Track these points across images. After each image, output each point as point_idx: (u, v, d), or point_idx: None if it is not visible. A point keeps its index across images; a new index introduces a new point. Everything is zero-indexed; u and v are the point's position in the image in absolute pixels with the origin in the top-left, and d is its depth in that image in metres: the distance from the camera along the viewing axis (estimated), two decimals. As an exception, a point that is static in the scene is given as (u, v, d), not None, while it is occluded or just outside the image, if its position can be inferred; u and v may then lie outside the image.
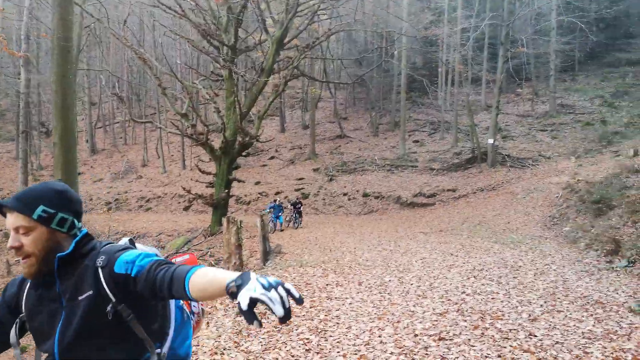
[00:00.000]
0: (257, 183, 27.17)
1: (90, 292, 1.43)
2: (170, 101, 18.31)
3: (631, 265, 7.56)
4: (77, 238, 1.51)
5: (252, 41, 19.21)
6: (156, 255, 1.52)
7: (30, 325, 1.53)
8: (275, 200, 19.07)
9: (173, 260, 1.96)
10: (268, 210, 17.66)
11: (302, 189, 25.26)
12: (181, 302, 1.72)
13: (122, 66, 41.02)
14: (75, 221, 1.51)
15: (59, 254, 1.46)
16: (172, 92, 24.35)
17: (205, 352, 4.53)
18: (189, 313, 1.77)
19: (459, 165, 24.57)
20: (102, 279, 1.43)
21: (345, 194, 24.20)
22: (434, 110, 32.94)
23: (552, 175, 19.48)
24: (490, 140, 22.95)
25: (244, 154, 18.18)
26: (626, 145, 19.96)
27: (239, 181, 18.60)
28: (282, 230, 17.77)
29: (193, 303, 1.84)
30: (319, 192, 24.58)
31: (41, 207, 1.43)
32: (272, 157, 31.04)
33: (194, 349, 4.68)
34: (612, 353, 4.13)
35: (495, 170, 22.64)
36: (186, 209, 26.17)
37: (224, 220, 9.02)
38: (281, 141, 33.12)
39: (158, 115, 35.54)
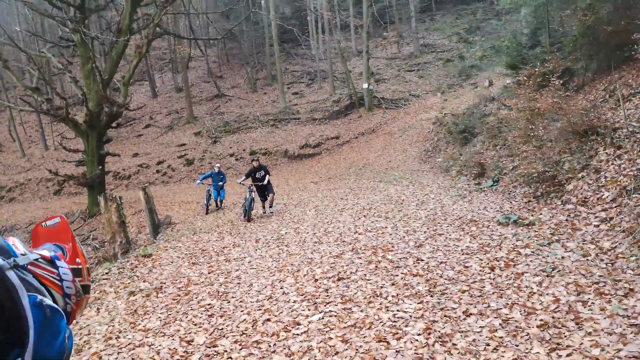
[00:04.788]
0: (135, 155, 25.37)
1: None
2: (15, 75, 16.00)
3: (495, 184, 8.48)
4: None
5: (103, -1, 17.25)
6: None
7: None
8: (214, 168, 12.98)
9: (43, 224, 1.69)
10: (200, 181, 12.61)
11: (186, 155, 24.16)
12: (38, 297, 1.43)
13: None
14: None
15: None
16: (17, 64, 21.22)
17: (98, 340, 4.19)
18: (54, 306, 1.48)
19: (339, 113, 25.21)
20: None
21: (232, 155, 23.64)
22: (309, 60, 33.07)
23: (422, 112, 20.90)
24: (365, 85, 23.75)
25: (113, 125, 16.53)
26: (482, 76, 21.96)
27: (114, 155, 17.19)
28: (218, 208, 12.70)
29: (66, 284, 1.56)
30: (204, 156, 23.71)
31: None
32: (148, 126, 29.01)
33: (86, 338, 4.31)
34: (487, 263, 4.63)
35: (372, 113, 23.64)
36: (57, 192, 23.69)
37: (100, 198, 8.29)
38: (155, 107, 30.99)
39: (4, 93, 30.98)
